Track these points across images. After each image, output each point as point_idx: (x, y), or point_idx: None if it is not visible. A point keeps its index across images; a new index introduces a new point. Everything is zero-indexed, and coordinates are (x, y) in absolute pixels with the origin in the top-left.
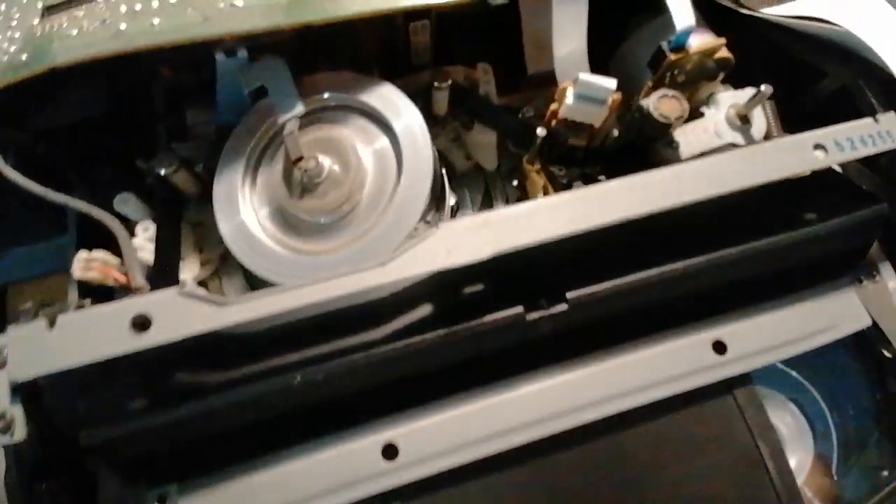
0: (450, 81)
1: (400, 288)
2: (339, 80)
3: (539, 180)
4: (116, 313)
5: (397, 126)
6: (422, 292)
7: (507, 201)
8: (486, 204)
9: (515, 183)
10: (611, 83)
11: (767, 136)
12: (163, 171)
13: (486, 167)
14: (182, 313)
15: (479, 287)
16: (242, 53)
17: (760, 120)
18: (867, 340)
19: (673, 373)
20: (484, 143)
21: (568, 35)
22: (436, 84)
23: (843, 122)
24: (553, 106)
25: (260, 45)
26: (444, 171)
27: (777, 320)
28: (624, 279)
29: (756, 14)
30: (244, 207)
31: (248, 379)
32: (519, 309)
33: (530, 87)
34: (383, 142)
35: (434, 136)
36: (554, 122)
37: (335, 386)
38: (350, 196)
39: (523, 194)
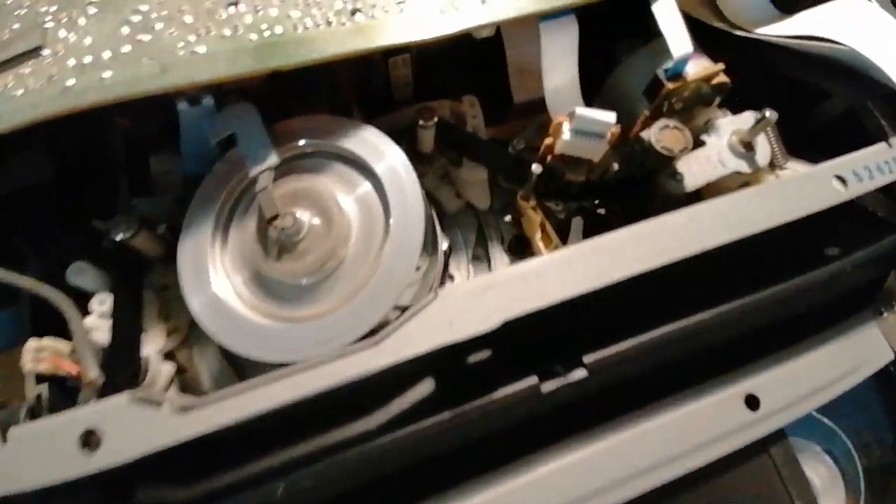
0: (435, 119)
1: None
2: (315, 124)
3: (536, 217)
4: (65, 427)
5: (379, 169)
6: (421, 365)
7: (503, 240)
8: (481, 244)
9: (509, 218)
10: (610, 117)
11: (772, 163)
12: (119, 237)
13: (478, 206)
14: (136, 426)
15: (485, 355)
16: (208, 101)
17: (764, 146)
18: (888, 372)
19: (708, 436)
20: (475, 180)
21: (558, 67)
22: (420, 123)
23: (849, 144)
24: (547, 140)
25: (227, 90)
26: (433, 212)
27: (805, 366)
28: (645, 336)
29: (752, 36)
30: (216, 276)
31: (224, 493)
32: (532, 380)
33: (518, 116)
34: (366, 187)
35: (421, 176)
36: (550, 158)
37: (325, 491)
38: (334, 252)
39: (519, 230)
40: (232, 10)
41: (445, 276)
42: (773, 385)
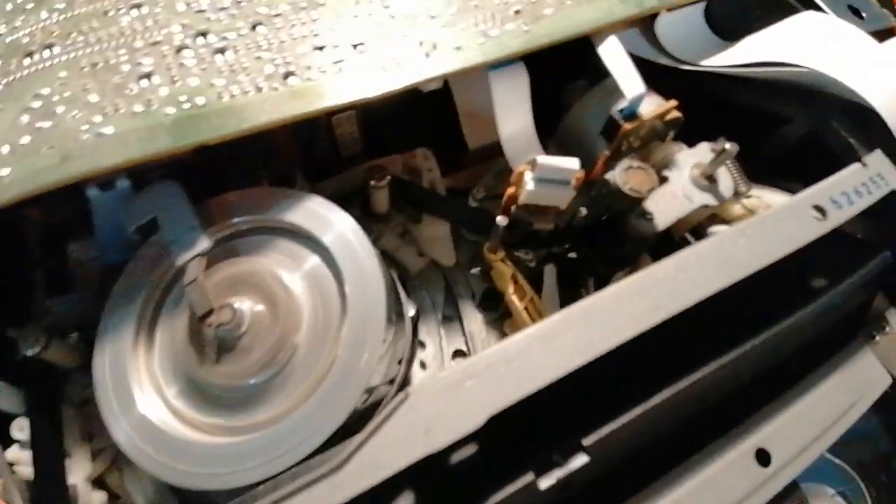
0: (387, 178)
1: None
2: (252, 198)
3: (506, 269)
4: None
5: (327, 239)
6: (395, 481)
7: (474, 296)
8: (450, 303)
9: (477, 271)
10: (573, 163)
11: (736, 192)
12: (29, 352)
13: (442, 263)
14: None
15: (470, 451)
16: (123, 184)
17: (726, 177)
18: (886, 395)
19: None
20: (437, 236)
21: (511, 115)
22: (372, 183)
23: (818, 166)
24: (510, 190)
25: (151, 167)
26: (395, 275)
27: (809, 407)
28: (646, 403)
29: (699, 69)
30: (141, 392)
31: None
32: (528, 477)
33: (475, 162)
34: (314, 261)
35: (377, 237)
36: (514, 208)
37: None
38: (284, 341)
39: (490, 283)
40: (144, 83)
41: (415, 343)
42: (781, 435)
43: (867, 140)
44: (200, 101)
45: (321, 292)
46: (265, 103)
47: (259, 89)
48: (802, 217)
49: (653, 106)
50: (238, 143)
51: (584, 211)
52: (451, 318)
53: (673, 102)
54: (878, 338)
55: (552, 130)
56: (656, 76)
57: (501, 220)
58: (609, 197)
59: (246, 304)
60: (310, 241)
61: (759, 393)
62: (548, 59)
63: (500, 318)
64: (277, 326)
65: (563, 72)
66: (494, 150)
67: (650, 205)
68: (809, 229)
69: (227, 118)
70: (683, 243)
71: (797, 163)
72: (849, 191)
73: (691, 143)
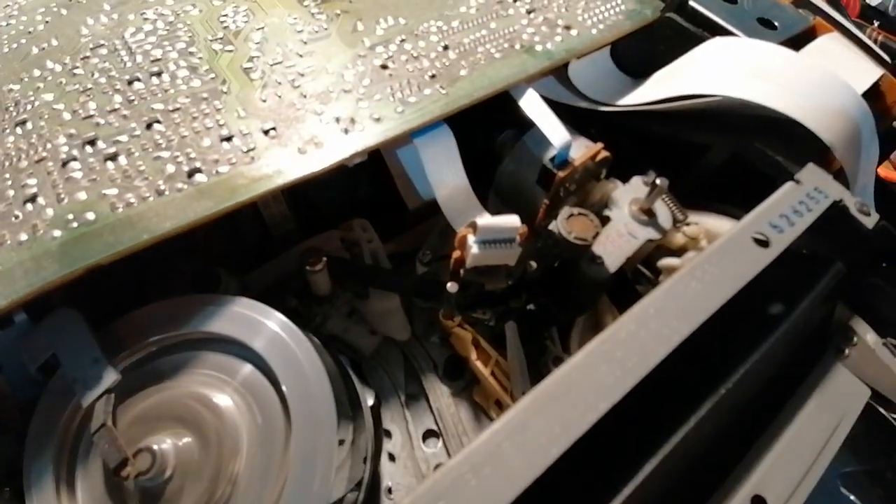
0: (323, 260)
1: None
2: (165, 311)
3: (465, 334)
4: None
5: (258, 344)
6: None
7: (436, 367)
8: (412, 379)
9: (436, 338)
10: (514, 220)
11: (675, 222)
12: None
13: (397, 338)
14: None
15: None
16: (20, 318)
17: (663, 209)
18: (868, 406)
19: None
20: (387, 310)
21: (445, 177)
22: (308, 268)
23: (746, 185)
24: (456, 254)
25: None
26: (347, 363)
27: (794, 438)
28: (633, 480)
29: (616, 109)
30: None
31: None
32: None
33: (417, 221)
34: (246, 372)
35: (323, 320)
36: (463, 272)
37: None
38: (220, 476)
39: (452, 351)
40: (30, 206)
41: (380, 433)
42: (773, 475)
43: (795, 154)
44: (90, 216)
45: (260, 406)
46: (168, 208)
47: (160, 193)
48: (745, 249)
49: (582, 150)
50: (149, 251)
51: (534, 264)
52: (416, 395)
53: (599, 145)
54: (847, 351)
55: (491, 179)
56: (580, 118)
57: (451, 286)
58: (556, 247)
59: (167, 443)
60: (240, 350)
61: (742, 434)
62: (474, 113)
63: (468, 386)
64: (210, 458)
65: (491, 121)
66: (436, 207)
67: (598, 248)
68: (756, 260)
69: (123, 232)
70: (637, 276)
71: (728, 185)
72: (787, 212)
73: (625, 178)
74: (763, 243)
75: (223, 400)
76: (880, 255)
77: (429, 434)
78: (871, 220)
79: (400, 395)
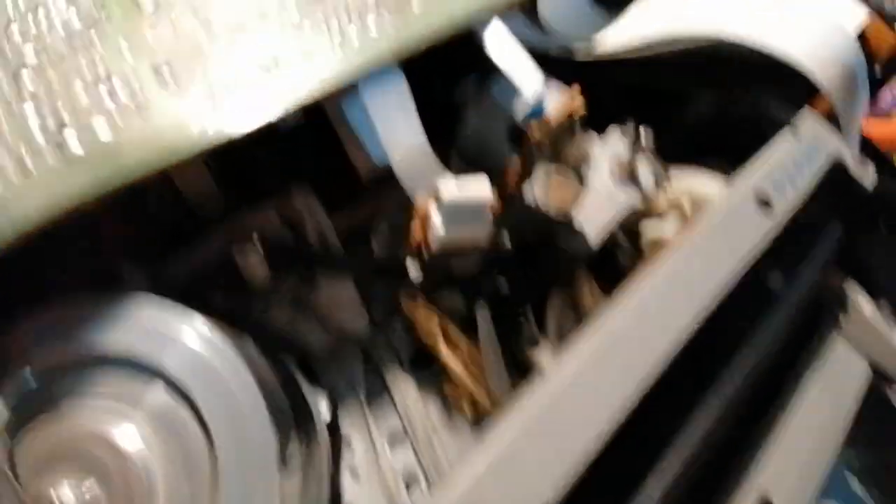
0: (254, 242)
1: None
2: (51, 323)
3: (431, 319)
4: None
5: (170, 363)
6: None
7: (401, 360)
8: (373, 375)
9: (399, 325)
10: (483, 190)
11: (657, 182)
12: None
13: (352, 330)
14: None
15: None
16: None
17: (645, 168)
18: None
19: None
20: (339, 299)
21: (398, 134)
22: (236, 254)
23: (732, 138)
24: (416, 230)
25: None
26: (292, 367)
27: (797, 434)
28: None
29: (591, 59)
30: None
31: None
32: None
33: (372, 189)
34: (157, 397)
35: (262, 312)
36: (428, 255)
37: None
38: None
39: (416, 338)
40: None
41: (338, 444)
42: (779, 476)
43: (784, 104)
44: None
45: (178, 439)
46: (33, 188)
47: (23, 168)
48: (748, 214)
49: (556, 102)
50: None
51: (507, 240)
52: (378, 393)
53: (575, 91)
54: (842, 320)
55: (452, 137)
56: (551, 66)
57: (415, 272)
58: (533, 222)
59: (67, 491)
60: (148, 369)
61: (743, 422)
62: (431, 55)
63: (438, 377)
64: None
65: (452, 65)
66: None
67: (578, 218)
68: (760, 226)
69: None
70: (613, 246)
71: (711, 138)
72: (789, 169)
73: (600, 130)
74: (766, 204)
75: (131, 434)
76: (879, 216)
77: (395, 438)
78: (869, 179)
79: (360, 394)
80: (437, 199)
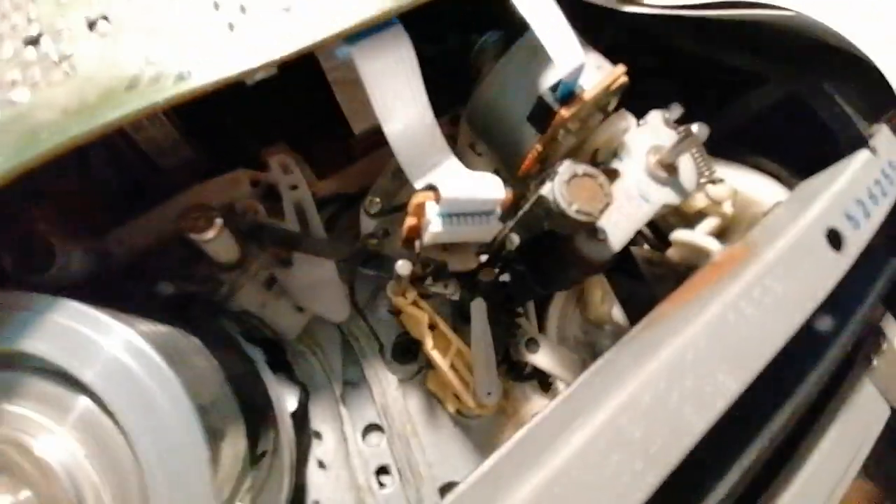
0: (218, 224)
1: None
2: None
3: (421, 315)
4: None
5: (90, 374)
6: None
7: (382, 349)
8: (352, 364)
9: (385, 311)
10: (494, 187)
11: (701, 181)
12: None
13: (332, 319)
14: None
15: None
16: None
17: (688, 164)
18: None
19: None
20: (317, 281)
21: (396, 102)
22: (192, 235)
23: (791, 134)
24: (410, 220)
25: None
26: (259, 356)
27: (817, 471)
28: None
29: (643, 10)
30: None
31: None
32: None
33: (368, 149)
34: (82, 406)
35: (231, 292)
36: (418, 248)
37: None
38: None
39: (402, 328)
40: None
41: (306, 437)
42: None
43: (866, 107)
44: None
45: (106, 451)
46: None
47: None
48: (815, 251)
49: (594, 73)
50: None
51: (515, 239)
52: (356, 385)
53: (620, 69)
54: (875, 362)
55: (463, 98)
56: (589, 18)
57: (402, 266)
58: (549, 218)
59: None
60: (64, 379)
61: (773, 461)
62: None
63: (422, 371)
64: None
65: (467, 18)
66: None
67: (602, 222)
68: (828, 271)
69: None
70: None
71: (772, 131)
72: (863, 197)
73: (638, 110)
74: (836, 240)
75: (53, 448)
76: None
77: (372, 428)
78: None
79: (335, 386)
80: (437, 192)
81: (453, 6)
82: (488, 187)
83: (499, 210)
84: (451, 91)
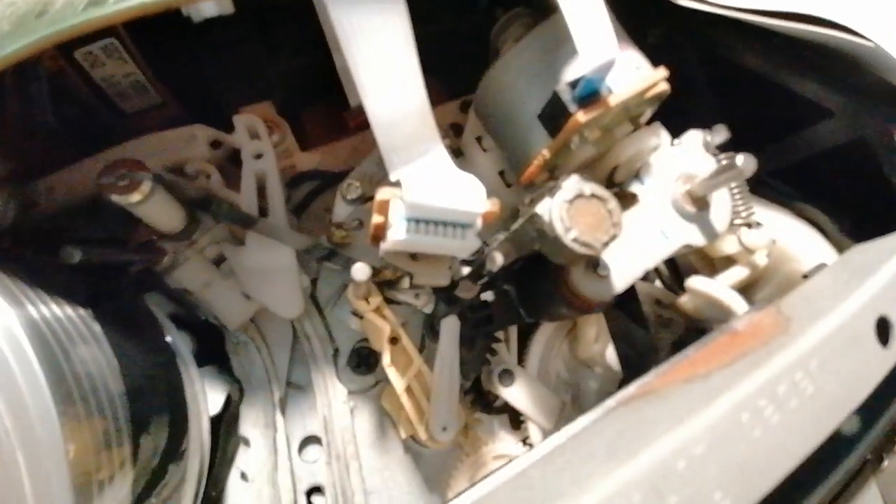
0: (146, 187)
1: None
2: None
3: (381, 324)
4: None
5: None
6: None
7: (337, 354)
8: (299, 369)
9: (349, 314)
10: (475, 200)
11: (734, 221)
12: None
13: (283, 314)
14: None
15: None
16: None
17: (723, 201)
18: None
19: None
20: (271, 267)
21: (379, 74)
22: (113, 197)
23: (851, 189)
24: (376, 218)
25: None
26: (186, 346)
27: None
28: None
29: (705, 8)
30: None
31: None
32: None
33: (361, 124)
34: None
35: (173, 266)
36: (381, 252)
37: None
38: None
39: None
40: None
41: (234, 439)
42: None
43: None
44: None
45: None
46: None
47: None
48: (860, 346)
49: (628, 73)
50: None
51: (498, 259)
52: (301, 389)
53: (661, 73)
54: (885, 462)
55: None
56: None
57: (359, 270)
58: (541, 242)
59: None
60: None
61: None
62: None
63: (379, 385)
64: None
65: None
66: None
67: (606, 258)
68: (869, 370)
69: None
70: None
71: (824, 175)
72: None
73: (677, 128)
74: (885, 332)
75: None
76: None
77: (310, 440)
78: None
79: (274, 388)
80: (402, 189)
81: None
82: (467, 197)
83: (479, 224)
84: (472, 71)
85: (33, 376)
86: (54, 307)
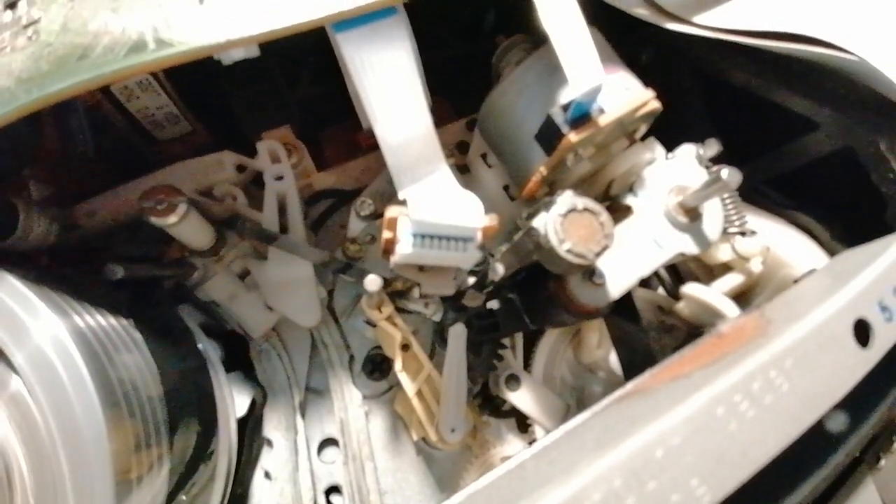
0: (181, 210)
1: None
2: None
3: (393, 332)
4: None
5: (20, 357)
6: None
7: (353, 361)
8: (318, 375)
9: (363, 322)
10: (474, 216)
11: (727, 229)
12: None
13: (301, 323)
14: None
15: None
16: None
17: (715, 211)
18: None
19: None
20: (290, 280)
21: (389, 104)
22: (153, 219)
23: (841, 197)
24: (386, 233)
25: None
26: (216, 354)
27: None
28: None
29: (692, 31)
30: None
31: None
32: None
33: (374, 145)
34: (14, 383)
35: (202, 279)
36: (392, 265)
37: None
38: None
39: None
40: None
41: (259, 440)
42: None
43: None
44: None
45: (30, 432)
46: None
47: None
48: (836, 347)
49: (621, 93)
50: None
51: (500, 270)
52: (320, 394)
53: (650, 94)
54: (882, 461)
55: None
56: (630, 32)
57: (371, 281)
58: (539, 254)
59: None
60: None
61: None
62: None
63: (392, 390)
64: None
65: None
66: None
67: (601, 266)
68: (846, 370)
69: None
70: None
71: (815, 183)
72: None
73: (672, 141)
74: (864, 335)
75: None
76: None
77: (328, 443)
78: None
79: (294, 393)
80: (411, 208)
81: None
82: (467, 213)
83: (479, 238)
84: (478, 91)
85: (81, 381)
86: (98, 317)
